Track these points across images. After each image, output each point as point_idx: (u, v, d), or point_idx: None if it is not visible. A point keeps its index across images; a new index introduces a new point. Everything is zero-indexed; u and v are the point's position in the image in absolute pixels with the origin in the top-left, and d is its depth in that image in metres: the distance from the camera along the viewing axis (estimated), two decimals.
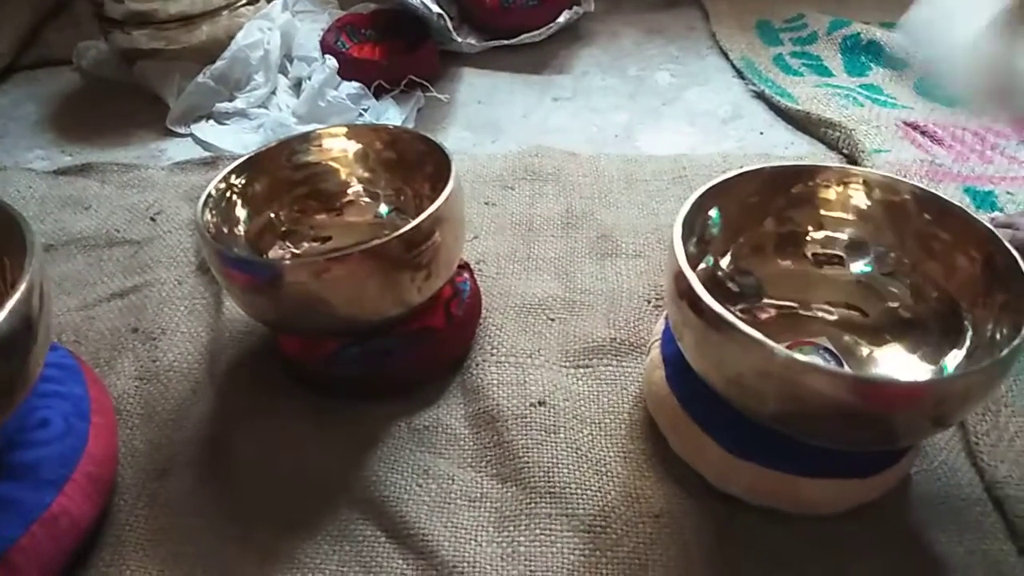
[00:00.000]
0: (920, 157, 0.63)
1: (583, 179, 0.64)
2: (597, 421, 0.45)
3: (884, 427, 0.34)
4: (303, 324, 0.44)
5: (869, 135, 0.65)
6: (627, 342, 0.49)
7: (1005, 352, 0.32)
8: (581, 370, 0.48)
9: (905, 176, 0.53)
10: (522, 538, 0.40)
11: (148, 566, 0.39)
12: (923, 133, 0.67)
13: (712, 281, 0.43)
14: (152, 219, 0.60)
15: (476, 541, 0.39)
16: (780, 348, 0.32)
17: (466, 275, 0.50)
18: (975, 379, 0.33)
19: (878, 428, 0.34)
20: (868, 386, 0.33)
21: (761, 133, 0.71)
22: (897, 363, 0.41)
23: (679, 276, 0.36)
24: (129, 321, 0.52)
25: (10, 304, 0.32)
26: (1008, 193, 0.60)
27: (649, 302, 0.52)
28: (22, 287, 0.33)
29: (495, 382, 0.47)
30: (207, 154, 0.69)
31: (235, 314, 0.51)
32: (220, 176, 0.46)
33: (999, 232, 0.37)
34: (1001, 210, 0.58)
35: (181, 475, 0.43)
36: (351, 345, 0.45)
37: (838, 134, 0.67)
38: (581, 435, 0.44)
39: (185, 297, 0.53)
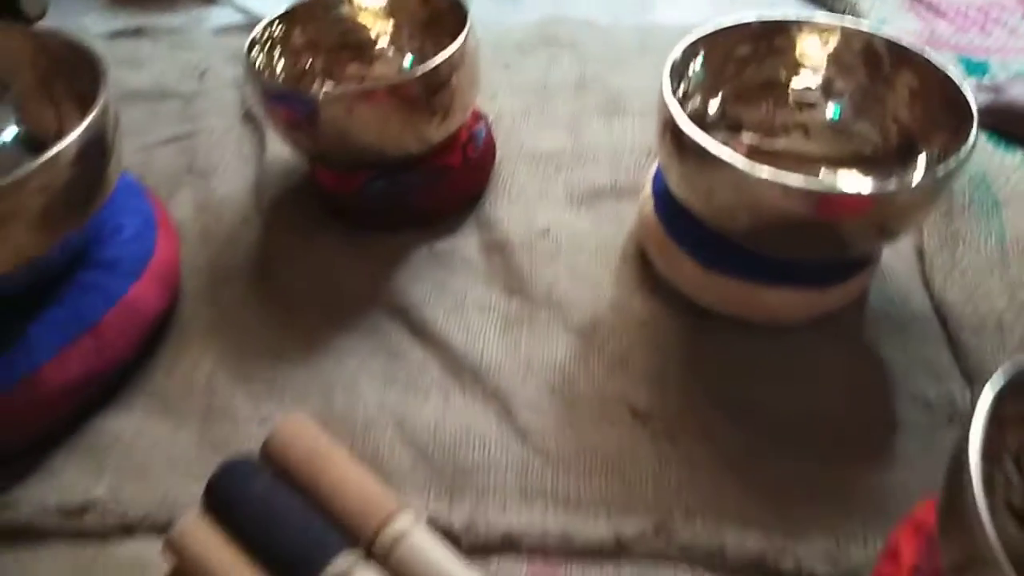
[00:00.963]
0: (919, 29, 0.66)
1: (598, 46, 0.68)
2: (594, 249, 0.51)
3: (834, 236, 0.39)
4: (336, 156, 0.50)
5: (875, 7, 0.68)
6: (626, 186, 0.55)
7: (941, 171, 0.37)
8: (583, 208, 0.54)
9: None
10: (523, 338, 0.46)
11: (208, 352, 0.46)
12: (928, 7, 0.69)
13: (698, 121, 0.48)
14: (200, 76, 0.66)
15: (484, 339, 0.46)
16: (744, 162, 0.38)
17: (482, 124, 0.55)
18: (914, 193, 0.38)
19: (829, 237, 0.40)
20: (819, 197, 0.38)
21: (774, 5, 0.74)
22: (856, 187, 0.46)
23: (663, 107, 0.41)
24: (185, 161, 0.58)
25: (93, 113, 0.39)
26: (1002, 62, 0.63)
27: (649, 154, 0.57)
28: (100, 102, 0.40)
29: (505, 216, 0.53)
30: (246, 20, 0.74)
31: (278, 156, 0.57)
32: (263, 24, 0.51)
33: (981, 96, 0.41)
34: (993, 78, 0.62)
35: (234, 285, 0.50)
36: (378, 178, 0.51)
37: (845, 5, 0.70)
38: (579, 259, 0.50)
39: (233, 142, 0.60)
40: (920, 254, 0.49)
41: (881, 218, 0.39)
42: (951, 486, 0.26)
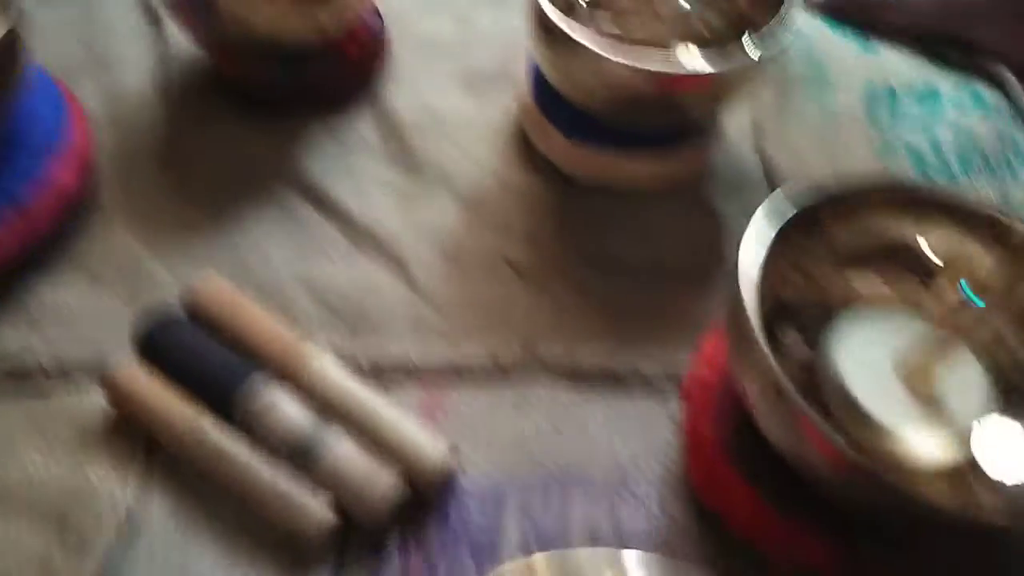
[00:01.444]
0: None
1: None
2: (481, 131, 0.57)
3: (676, 108, 0.46)
4: (234, 45, 0.53)
5: None
6: (513, 75, 0.60)
7: (759, 52, 0.44)
8: (473, 95, 0.59)
9: None
10: (418, 209, 0.52)
11: (126, 228, 0.50)
12: None
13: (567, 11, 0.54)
14: None
15: (383, 210, 0.52)
16: (600, 45, 0.44)
17: (374, 12, 0.59)
18: (737, 71, 0.45)
19: (672, 109, 0.47)
20: (661, 76, 0.45)
21: None
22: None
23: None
24: (84, 52, 0.60)
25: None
26: None
27: None
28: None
29: (398, 99, 0.58)
30: None
31: (180, 46, 0.60)
32: None
33: None
34: None
35: (145, 168, 0.53)
36: (276, 66, 0.55)
37: None
38: (467, 140, 0.56)
39: (132, 32, 0.62)
40: (756, 127, 0.57)
41: (712, 92, 0.46)
42: (729, 288, 0.34)
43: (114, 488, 0.40)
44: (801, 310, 0.38)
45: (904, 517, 0.31)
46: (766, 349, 0.32)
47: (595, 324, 0.47)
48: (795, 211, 0.37)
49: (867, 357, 0.35)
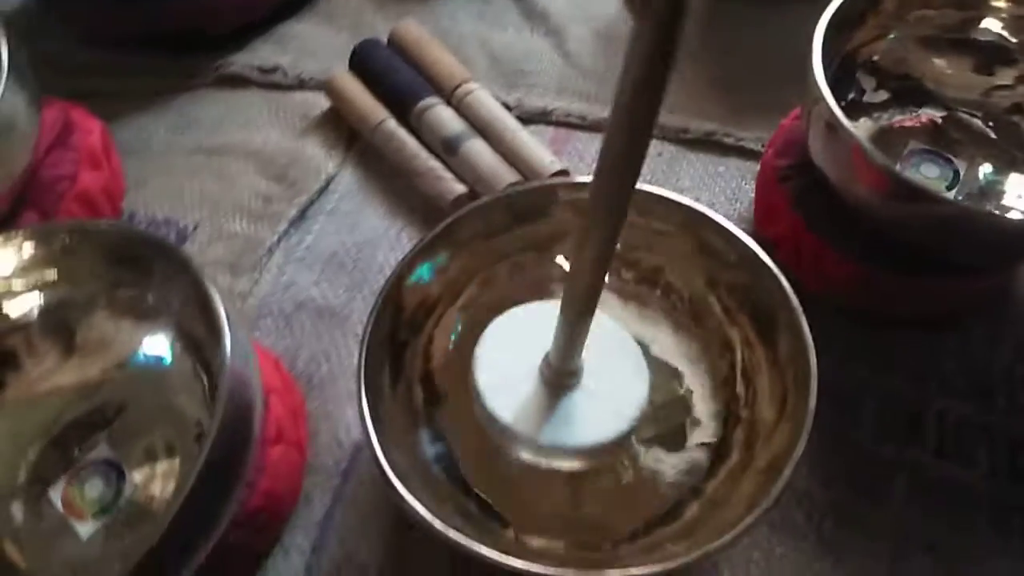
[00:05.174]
0: None
1: None
2: None
3: None
4: None
5: None
6: None
7: None
8: None
9: None
10: None
11: None
12: None
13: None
14: None
15: None
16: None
17: None
18: None
19: None
20: None
21: None
22: None
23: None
24: None
25: None
26: None
27: None
28: None
29: None
30: None
31: None
32: None
33: None
34: None
35: None
36: None
37: None
38: None
39: None
40: None
41: None
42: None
43: (321, 159, 0.54)
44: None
45: (934, 222, 0.37)
46: (824, 87, 0.38)
47: (702, 93, 0.55)
48: None
49: None
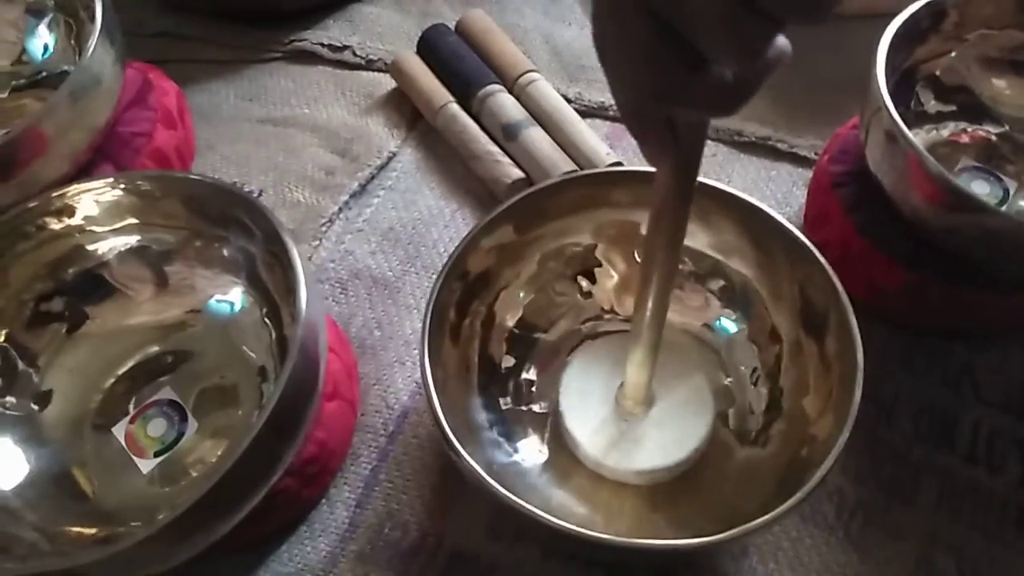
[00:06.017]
0: None
1: None
2: None
3: None
4: None
5: None
6: None
7: None
8: None
9: None
10: None
11: None
12: None
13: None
14: None
15: None
16: None
17: None
18: None
19: None
20: None
21: None
22: None
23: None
24: None
25: None
26: None
27: None
28: None
29: None
30: None
31: None
32: None
33: None
34: None
35: None
36: None
37: None
38: None
39: None
40: None
41: None
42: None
43: (384, 137, 0.56)
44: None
45: (985, 234, 0.37)
46: (887, 97, 0.39)
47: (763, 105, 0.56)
48: None
49: None
